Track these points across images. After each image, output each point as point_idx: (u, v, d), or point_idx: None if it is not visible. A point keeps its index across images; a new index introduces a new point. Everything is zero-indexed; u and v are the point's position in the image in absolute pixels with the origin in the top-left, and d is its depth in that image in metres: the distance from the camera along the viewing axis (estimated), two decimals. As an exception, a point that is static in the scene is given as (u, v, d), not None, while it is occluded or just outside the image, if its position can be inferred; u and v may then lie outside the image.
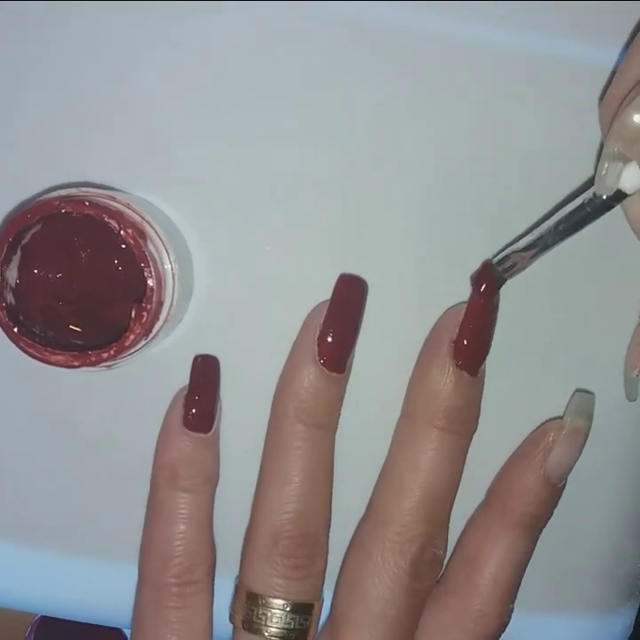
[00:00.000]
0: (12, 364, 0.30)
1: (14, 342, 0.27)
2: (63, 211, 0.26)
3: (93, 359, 0.27)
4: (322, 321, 0.29)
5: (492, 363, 0.30)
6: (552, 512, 0.31)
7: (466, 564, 0.31)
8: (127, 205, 0.27)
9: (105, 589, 0.32)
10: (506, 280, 0.29)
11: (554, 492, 0.30)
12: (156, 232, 0.28)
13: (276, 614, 0.29)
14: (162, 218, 0.29)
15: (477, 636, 0.30)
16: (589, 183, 0.29)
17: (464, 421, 0.30)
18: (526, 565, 0.31)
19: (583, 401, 0.31)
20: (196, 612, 0.30)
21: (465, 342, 0.29)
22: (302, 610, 0.30)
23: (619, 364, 0.31)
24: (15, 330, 0.27)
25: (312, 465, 0.30)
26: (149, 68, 0.29)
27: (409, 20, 0.29)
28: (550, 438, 0.30)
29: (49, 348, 0.27)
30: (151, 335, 0.28)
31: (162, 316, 0.28)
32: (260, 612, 0.29)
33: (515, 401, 0.31)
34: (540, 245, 0.27)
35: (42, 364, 0.27)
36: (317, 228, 0.30)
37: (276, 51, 0.29)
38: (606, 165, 0.25)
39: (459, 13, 0.29)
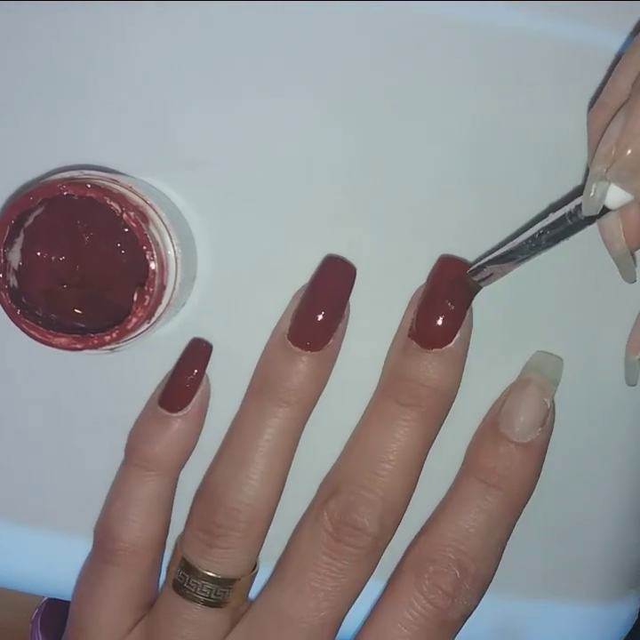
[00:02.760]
0: (14, 346, 0.30)
1: (17, 324, 0.27)
2: (65, 193, 0.26)
3: (96, 342, 0.27)
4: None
5: (487, 347, 0.30)
6: (517, 473, 0.29)
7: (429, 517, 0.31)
8: (130, 188, 0.27)
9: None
10: (480, 289, 0.29)
11: (512, 448, 0.29)
12: (159, 216, 0.28)
13: (195, 582, 0.30)
14: (165, 202, 0.29)
15: (413, 579, 0.29)
16: (570, 196, 0.29)
17: (413, 395, 0.29)
18: (488, 528, 0.29)
19: (535, 357, 0.30)
20: (104, 579, 0.31)
21: (417, 312, 0.29)
22: (219, 582, 0.30)
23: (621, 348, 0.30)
24: (18, 312, 0.27)
25: (261, 441, 0.29)
26: (153, 51, 0.29)
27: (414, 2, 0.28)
28: (505, 394, 0.30)
29: (51, 331, 0.27)
30: (154, 319, 0.28)
31: (164, 300, 0.28)
32: (184, 574, 0.30)
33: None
34: (518, 256, 0.27)
35: (45, 346, 0.27)
36: (321, 213, 0.30)
37: (279, 34, 0.29)
38: (594, 187, 0.25)
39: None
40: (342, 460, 0.30)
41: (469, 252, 0.30)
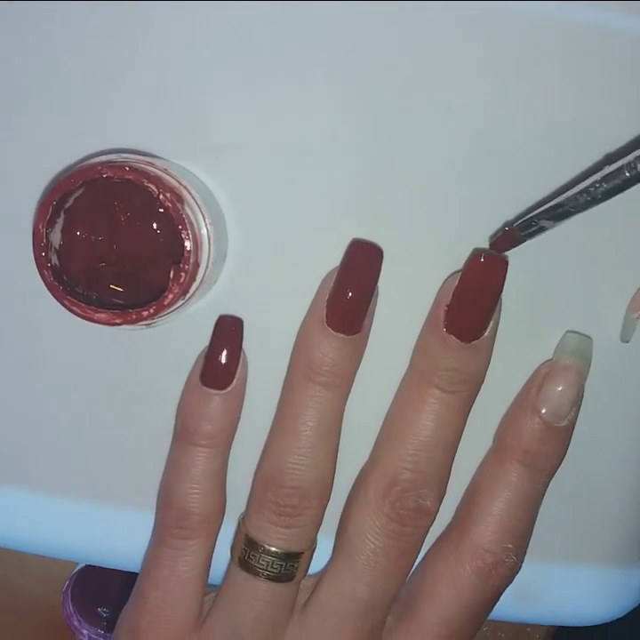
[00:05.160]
0: (54, 324, 0.32)
1: (59, 301, 0.28)
2: (105, 175, 0.27)
3: (134, 317, 0.28)
4: (332, 283, 0.30)
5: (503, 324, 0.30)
6: (556, 454, 0.31)
7: (467, 499, 0.32)
8: (165, 171, 0.28)
9: (143, 537, 0.33)
10: (525, 242, 0.28)
11: (552, 431, 0.31)
12: (193, 196, 0.29)
13: (264, 558, 0.31)
14: (197, 184, 0.30)
15: (475, 570, 0.31)
16: (628, 148, 0.28)
17: (456, 382, 0.30)
18: (533, 509, 0.32)
19: (571, 340, 0.31)
20: (187, 554, 0.32)
21: (454, 308, 0.29)
22: (288, 557, 0.31)
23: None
24: (60, 289, 0.28)
25: (315, 422, 0.30)
26: (185, 37, 0.30)
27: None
28: (541, 376, 0.31)
29: (92, 307, 0.28)
30: (188, 295, 0.29)
31: (198, 277, 0.29)
32: (251, 553, 0.31)
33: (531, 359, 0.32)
34: (570, 210, 0.27)
35: (83, 323, 0.28)
36: (350, 193, 0.31)
37: (306, 22, 0.29)
38: None
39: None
40: (391, 444, 0.31)
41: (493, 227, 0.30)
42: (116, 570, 0.48)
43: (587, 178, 0.26)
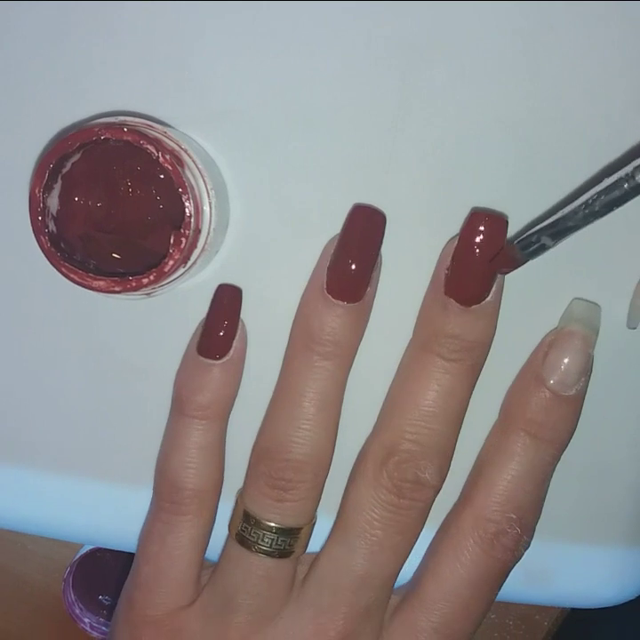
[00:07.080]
0: (52, 293, 0.31)
1: (57, 268, 0.27)
2: (103, 137, 0.27)
3: (134, 284, 0.27)
4: (332, 250, 0.29)
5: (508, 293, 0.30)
6: (564, 425, 0.30)
7: (474, 472, 0.31)
8: (164, 134, 0.28)
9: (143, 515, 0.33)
10: (527, 261, 0.27)
11: (559, 400, 0.30)
12: (193, 161, 0.28)
13: (261, 533, 0.30)
14: (198, 149, 0.29)
15: (477, 540, 0.30)
16: (626, 159, 0.28)
17: (457, 350, 0.29)
18: (541, 482, 0.31)
19: (576, 307, 0.30)
20: (177, 530, 0.31)
21: (453, 270, 0.28)
22: (285, 532, 0.30)
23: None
24: (58, 255, 0.27)
25: (313, 393, 0.30)
26: (186, 1, 0.29)
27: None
28: (546, 345, 0.30)
29: (90, 274, 0.27)
30: (189, 263, 0.28)
31: (199, 244, 0.28)
32: (249, 528, 0.31)
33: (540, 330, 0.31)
34: (569, 224, 0.26)
35: (83, 291, 0.28)
36: (353, 160, 0.30)
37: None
38: None
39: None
40: (391, 415, 0.30)
41: (500, 205, 0.29)
42: (117, 558, 0.48)
43: (586, 191, 0.26)
